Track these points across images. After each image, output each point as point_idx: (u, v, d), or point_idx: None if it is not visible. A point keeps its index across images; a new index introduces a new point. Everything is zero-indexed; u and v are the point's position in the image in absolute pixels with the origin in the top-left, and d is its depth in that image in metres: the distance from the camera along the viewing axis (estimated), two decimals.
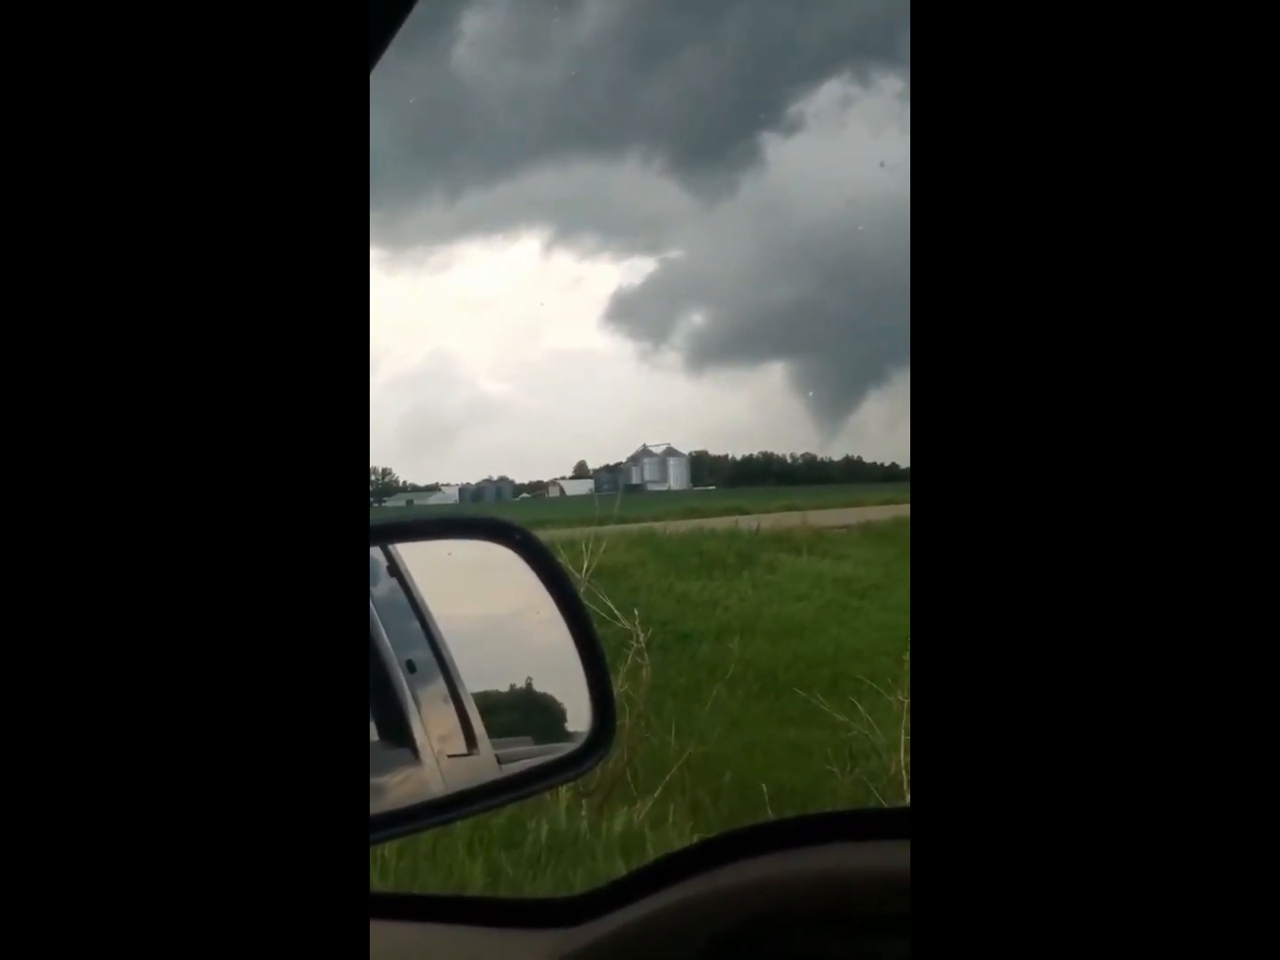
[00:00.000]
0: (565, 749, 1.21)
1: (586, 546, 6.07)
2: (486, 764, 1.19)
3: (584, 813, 4.71)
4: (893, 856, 0.86)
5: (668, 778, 5.30)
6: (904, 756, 5.14)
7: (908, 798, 4.98)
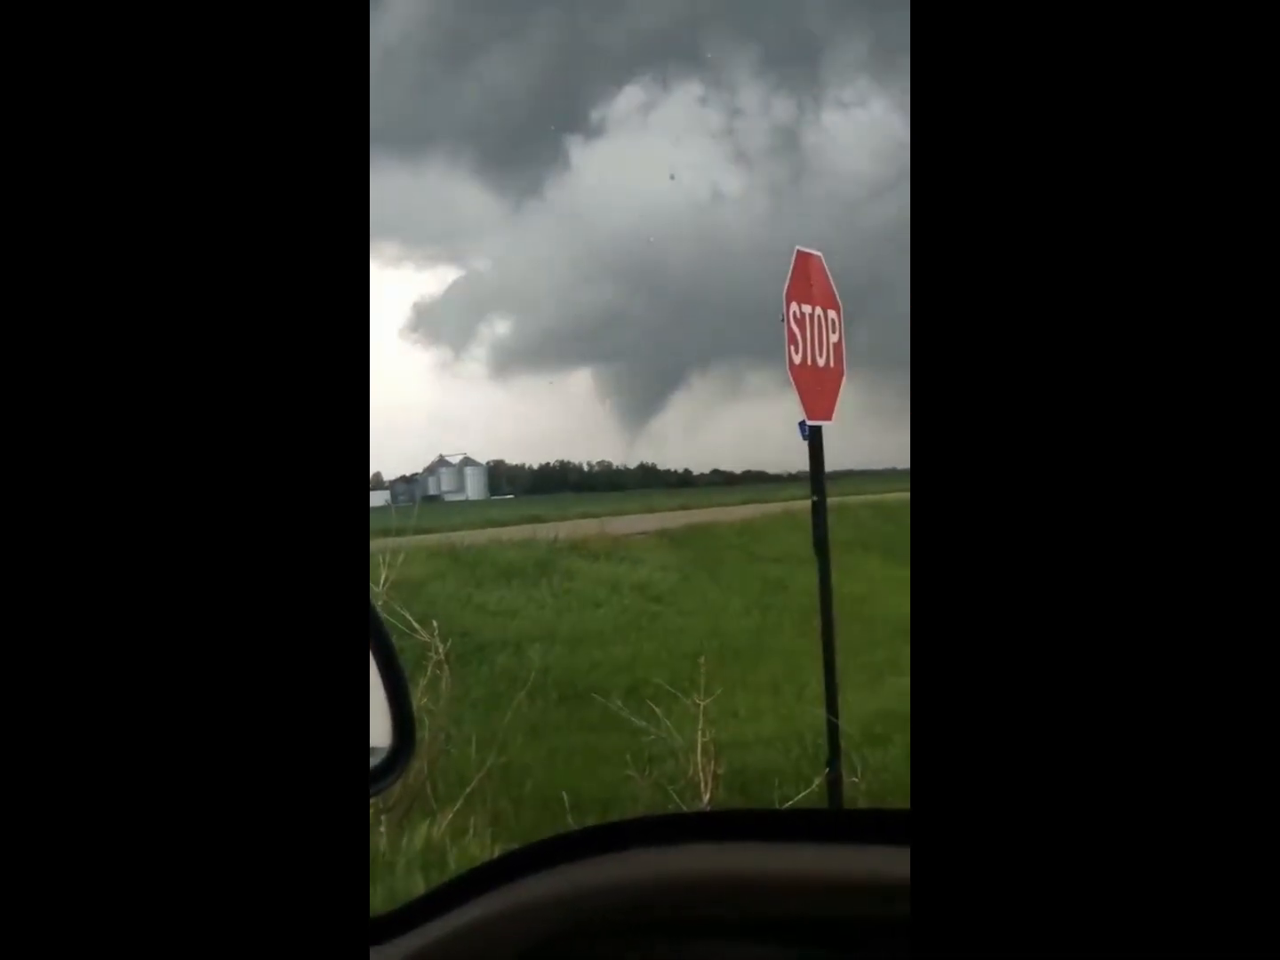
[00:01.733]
0: None
1: (384, 559, 5.95)
2: None
3: (383, 829, 4.63)
4: (692, 860, 0.87)
5: (468, 789, 5.25)
6: (700, 758, 5.23)
7: (705, 798, 5.06)
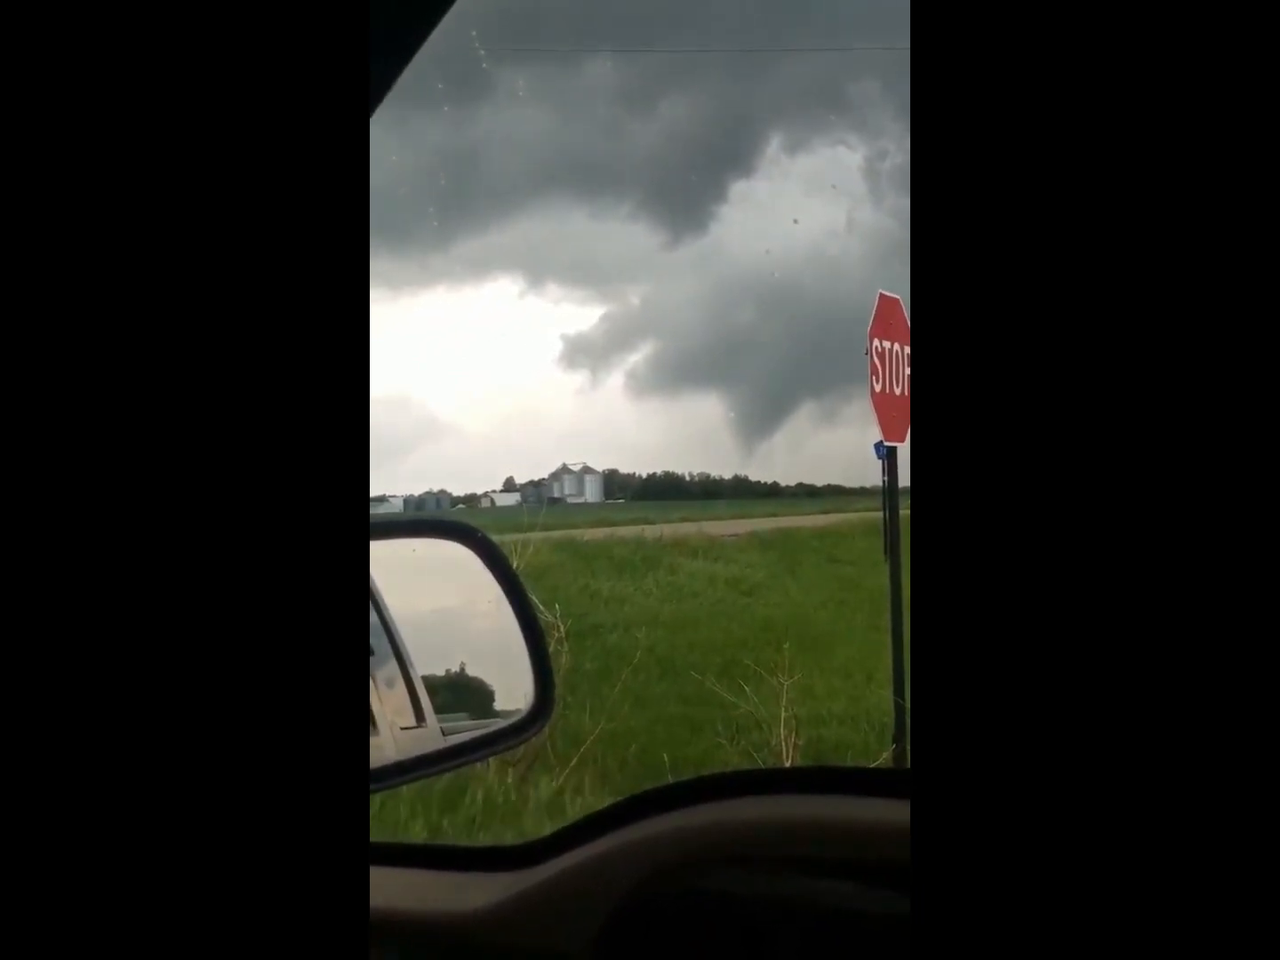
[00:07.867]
0: (502, 722, 1.23)
1: (515, 550, 6.03)
2: (433, 735, 1.22)
3: (510, 779, 4.68)
4: (788, 807, 0.88)
5: (582, 750, 5.28)
6: (783, 730, 5.18)
7: (786, 764, 5.00)
